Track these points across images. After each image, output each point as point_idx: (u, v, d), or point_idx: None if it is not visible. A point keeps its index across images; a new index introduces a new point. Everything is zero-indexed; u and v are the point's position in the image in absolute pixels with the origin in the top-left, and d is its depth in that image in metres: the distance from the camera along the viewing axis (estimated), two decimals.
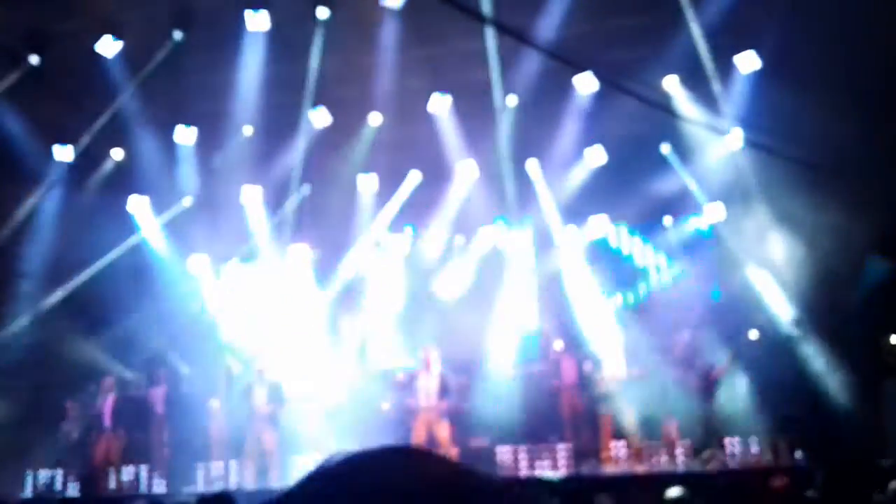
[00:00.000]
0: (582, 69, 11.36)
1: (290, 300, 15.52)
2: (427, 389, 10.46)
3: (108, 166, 14.59)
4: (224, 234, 15.02)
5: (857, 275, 10.53)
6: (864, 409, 10.02)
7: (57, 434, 12.54)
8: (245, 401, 11.21)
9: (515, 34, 10.59)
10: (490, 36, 12.38)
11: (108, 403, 11.87)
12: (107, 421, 11.76)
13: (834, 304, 10.60)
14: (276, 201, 15.03)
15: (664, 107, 11.06)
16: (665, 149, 13.76)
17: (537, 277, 14.29)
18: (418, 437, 10.32)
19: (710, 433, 11.24)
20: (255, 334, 15.06)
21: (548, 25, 12.37)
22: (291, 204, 15.07)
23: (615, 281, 14.27)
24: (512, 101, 13.73)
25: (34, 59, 13.07)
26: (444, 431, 10.40)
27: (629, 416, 10.65)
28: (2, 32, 12.29)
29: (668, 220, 14.14)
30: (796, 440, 10.29)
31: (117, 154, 14.52)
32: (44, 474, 12.02)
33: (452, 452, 10.49)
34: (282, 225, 15.06)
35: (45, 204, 13.66)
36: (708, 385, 11.52)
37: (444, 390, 10.45)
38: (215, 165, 14.63)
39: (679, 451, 10.92)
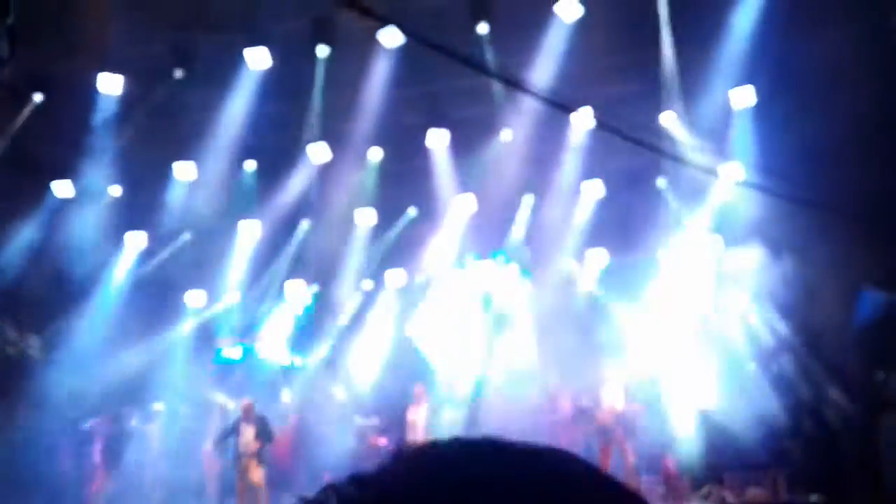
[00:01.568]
0: (575, 109, 11.45)
1: (290, 335, 15.54)
2: (415, 424, 10.41)
3: (106, 201, 14.66)
4: (223, 269, 15.09)
5: (852, 308, 10.49)
6: (861, 444, 9.92)
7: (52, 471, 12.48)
8: (233, 438, 11.16)
9: (509, 81, 10.69)
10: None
11: (99, 441, 11.84)
12: (97, 457, 11.71)
13: (830, 337, 10.55)
14: (275, 236, 15.09)
15: (656, 147, 11.13)
16: (661, 182, 13.82)
17: (534, 311, 14.25)
18: None
19: (708, 468, 11.15)
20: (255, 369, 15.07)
21: (544, 64, 12.54)
22: (290, 239, 15.17)
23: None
24: (509, 135, 13.86)
25: (38, 97, 13.27)
26: None
27: (627, 451, 10.54)
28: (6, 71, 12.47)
29: (662, 252, 14.15)
30: (794, 475, 10.20)
31: (115, 190, 14.60)
32: None
33: None
34: (280, 260, 15.13)
35: (42, 237, 13.70)
36: (706, 419, 11.46)
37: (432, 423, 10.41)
38: (214, 201, 14.71)
39: (677, 486, 10.82)
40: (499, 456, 0.69)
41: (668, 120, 13.12)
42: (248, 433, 11.00)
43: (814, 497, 9.84)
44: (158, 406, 13.44)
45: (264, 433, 11.09)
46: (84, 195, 13.86)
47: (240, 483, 11.00)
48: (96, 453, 11.77)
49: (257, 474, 10.86)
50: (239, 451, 10.96)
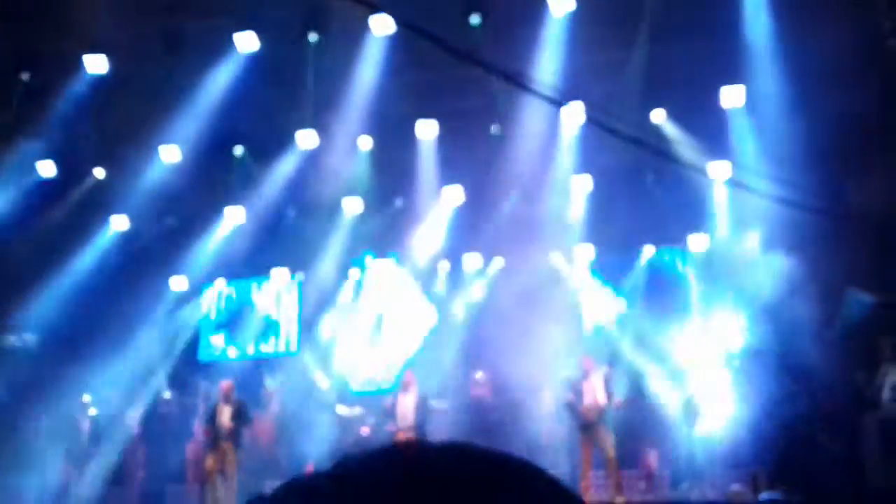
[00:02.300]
0: (566, 104, 11.42)
1: (273, 323, 15.51)
2: (404, 411, 10.40)
3: (90, 183, 14.53)
4: (207, 255, 15.00)
5: (837, 308, 10.58)
6: (842, 444, 9.99)
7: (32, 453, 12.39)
8: (210, 418, 11.07)
9: (501, 73, 10.61)
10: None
11: (85, 425, 11.78)
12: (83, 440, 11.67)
13: (813, 336, 10.61)
14: (260, 222, 15.00)
15: (647, 143, 11.14)
16: (651, 178, 13.85)
17: (518, 305, 14.25)
18: None
19: (690, 464, 11.20)
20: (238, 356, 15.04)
21: (536, 57, 12.49)
22: (276, 226, 15.10)
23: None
24: (499, 128, 13.85)
25: (25, 77, 13.12)
26: None
27: (609, 446, 10.54)
28: None
29: (650, 249, 14.19)
30: (776, 473, 10.25)
31: (99, 172, 14.47)
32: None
33: None
34: (265, 247, 15.05)
35: (26, 220, 13.60)
36: (689, 416, 11.51)
37: (420, 412, 10.38)
38: (200, 185, 14.62)
39: (658, 482, 10.87)
40: (463, 460, 0.69)
41: (659, 117, 13.12)
42: (225, 414, 10.92)
43: (788, 494, 9.91)
44: (141, 390, 13.41)
45: (241, 415, 10.99)
46: (68, 175, 13.78)
47: (210, 462, 10.88)
48: (81, 436, 11.70)
49: (231, 461, 10.76)
50: (215, 431, 10.87)
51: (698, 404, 11.46)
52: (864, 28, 10.72)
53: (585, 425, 10.58)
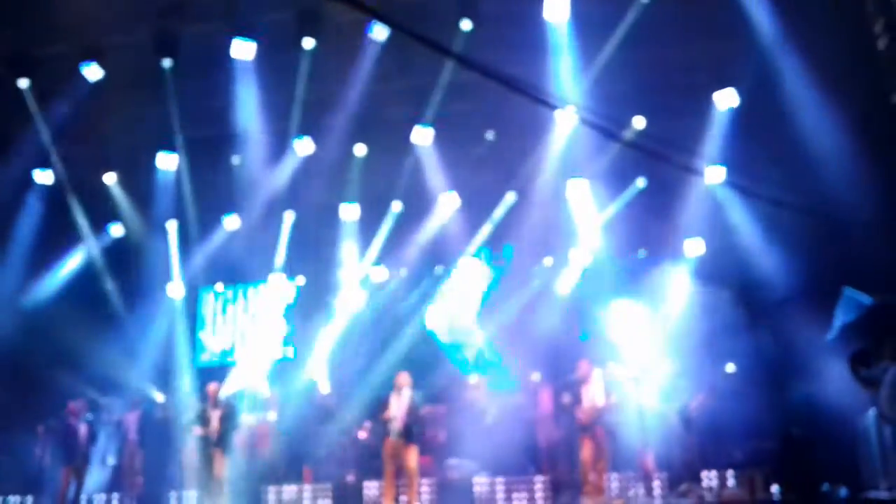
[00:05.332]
0: (560, 107, 11.43)
1: (267, 328, 15.54)
2: (396, 413, 10.34)
3: (89, 191, 14.56)
4: (206, 260, 15.03)
5: (831, 309, 10.58)
6: (839, 443, 10.01)
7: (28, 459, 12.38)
8: (199, 424, 11.01)
9: (494, 77, 10.60)
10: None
11: (80, 429, 11.74)
12: (80, 446, 11.63)
13: (807, 338, 10.64)
14: (259, 230, 15.02)
15: (638, 146, 11.17)
16: (641, 183, 13.90)
17: (516, 307, 14.30)
18: (387, 464, 10.21)
19: (686, 466, 11.21)
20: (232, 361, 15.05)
21: (529, 61, 12.51)
22: (275, 233, 15.14)
23: None
24: (493, 133, 13.91)
25: (23, 83, 13.12)
26: (412, 460, 10.21)
27: (604, 450, 10.52)
28: None
29: (642, 253, 14.24)
30: (771, 474, 10.28)
31: (97, 178, 14.49)
32: (13, 500, 11.86)
33: (417, 482, 10.36)
34: (263, 252, 15.08)
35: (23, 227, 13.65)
36: (685, 417, 11.53)
37: (412, 414, 10.31)
38: (200, 191, 14.66)
39: (655, 484, 10.87)
40: None
41: (645, 121, 13.13)
42: (214, 418, 10.85)
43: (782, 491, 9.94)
44: (138, 396, 13.42)
45: (229, 418, 10.93)
46: (67, 183, 13.82)
47: (205, 472, 10.86)
48: (79, 442, 11.67)
49: (221, 465, 10.72)
50: (205, 438, 10.84)
51: (694, 406, 11.48)
52: (855, 29, 10.75)
53: (583, 427, 10.60)
